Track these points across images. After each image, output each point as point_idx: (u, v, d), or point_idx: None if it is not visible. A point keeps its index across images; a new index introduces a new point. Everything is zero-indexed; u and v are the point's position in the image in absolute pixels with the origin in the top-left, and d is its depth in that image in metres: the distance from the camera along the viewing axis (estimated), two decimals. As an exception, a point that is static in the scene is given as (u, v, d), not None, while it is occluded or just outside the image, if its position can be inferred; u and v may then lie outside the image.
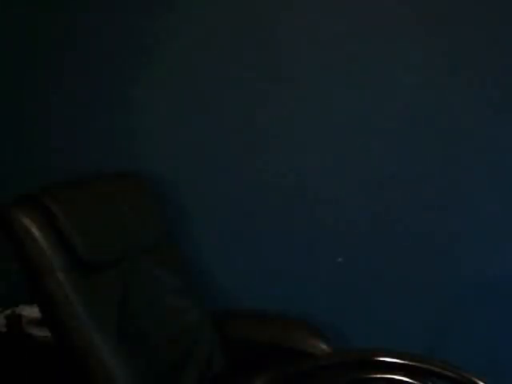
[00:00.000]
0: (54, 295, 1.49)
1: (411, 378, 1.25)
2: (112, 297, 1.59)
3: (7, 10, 2.06)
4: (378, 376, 1.26)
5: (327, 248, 1.98)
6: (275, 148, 1.98)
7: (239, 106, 1.98)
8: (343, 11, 1.88)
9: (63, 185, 1.69)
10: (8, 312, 1.92)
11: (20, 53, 2.07)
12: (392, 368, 1.28)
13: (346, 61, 1.90)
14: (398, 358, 1.29)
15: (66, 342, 1.51)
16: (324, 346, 1.79)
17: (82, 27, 2.02)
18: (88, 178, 1.79)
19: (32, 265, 1.50)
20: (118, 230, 1.71)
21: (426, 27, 1.85)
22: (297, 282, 2.01)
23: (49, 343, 1.60)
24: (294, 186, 1.98)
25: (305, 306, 1.99)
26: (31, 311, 1.90)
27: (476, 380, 1.24)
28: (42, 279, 1.49)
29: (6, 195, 1.55)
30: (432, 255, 1.93)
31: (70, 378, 1.55)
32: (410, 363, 1.28)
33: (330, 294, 2.00)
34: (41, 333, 1.81)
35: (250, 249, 2.03)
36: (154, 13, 1.97)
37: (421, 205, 1.92)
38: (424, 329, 1.96)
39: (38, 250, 1.49)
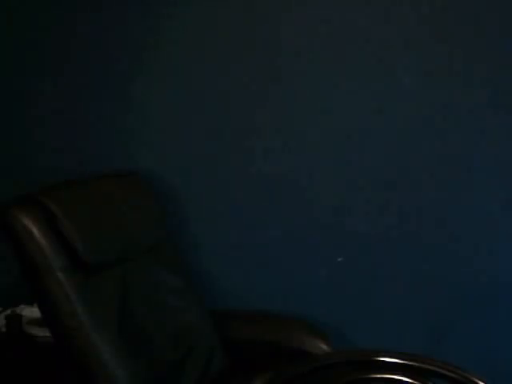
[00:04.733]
0: (54, 295, 1.49)
1: (411, 378, 1.25)
2: (112, 297, 1.59)
3: (7, 10, 2.06)
4: (378, 376, 1.26)
5: (327, 248, 1.98)
6: (275, 148, 1.98)
7: (239, 106, 1.98)
8: (343, 11, 1.88)
9: (63, 185, 1.69)
10: (8, 312, 1.92)
11: (20, 53, 2.07)
12: (392, 368, 1.27)
13: (346, 61, 1.90)
14: (398, 358, 1.29)
15: (66, 342, 1.51)
16: (324, 346, 1.79)
17: (82, 27, 2.02)
18: (88, 178, 1.79)
19: (32, 265, 1.50)
20: (118, 229, 1.71)
21: (425, 27, 1.85)
22: (297, 281, 2.01)
23: (49, 343, 1.60)
24: (293, 186, 1.98)
25: (305, 306, 1.99)
26: (31, 311, 1.90)
27: (476, 380, 1.24)
28: (42, 279, 1.49)
29: (6, 195, 1.55)
30: (432, 255, 1.93)
31: (70, 378, 1.55)
32: (410, 363, 1.28)
33: (330, 294, 2.00)
34: (41, 333, 1.81)
35: (250, 248, 2.03)
36: (154, 12, 1.97)
37: (421, 205, 1.92)
38: (424, 329, 1.96)
39: (38, 250, 1.49)
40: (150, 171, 2.00)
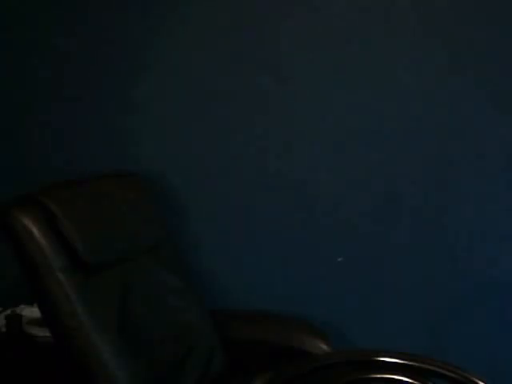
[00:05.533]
0: (54, 295, 1.49)
1: (411, 378, 1.25)
2: (112, 297, 1.59)
3: (7, 10, 2.06)
4: (378, 376, 1.26)
5: (327, 248, 1.98)
6: (275, 148, 1.98)
7: (239, 106, 1.98)
8: (343, 11, 1.88)
9: (63, 185, 1.69)
10: (8, 312, 1.92)
11: (20, 53, 2.07)
12: (392, 368, 1.27)
13: (346, 61, 1.90)
14: (397, 358, 1.29)
15: (66, 342, 1.51)
16: (324, 346, 1.79)
17: (82, 27, 2.02)
18: (88, 178, 1.79)
19: (32, 265, 1.50)
20: (118, 230, 1.71)
21: (425, 27, 1.85)
22: (297, 281, 2.01)
23: (49, 343, 1.60)
24: (293, 186, 1.98)
25: (305, 306, 1.99)
26: (31, 311, 1.90)
27: (476, 380, 1.24)
28: (42, 279, 1.49)
29: (6, 195, 1.55)
30: (432, 255, 1.93)
31: (70, 378, 1.55)
32: (410, 363, 1.28)
33: (330, 294, 2.00)
34: (41, 333, 1.81)
35: (250, 248, 2.03)
36: (154, 13, 1.97)
37: (421, 205, 1.92)
38: (424, 329, 1.96)
39: (38, 250, 1.49)
40: (150, 171, 2.00)
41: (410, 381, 1.24)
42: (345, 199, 1.96)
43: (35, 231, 1.49)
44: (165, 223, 1.92)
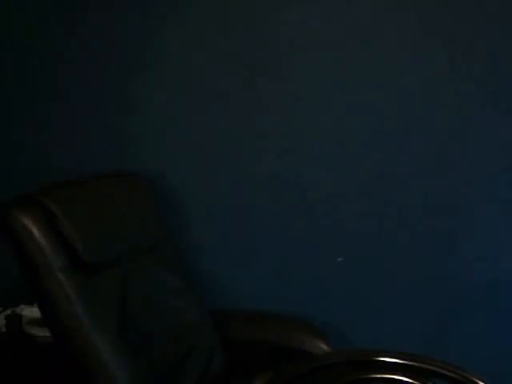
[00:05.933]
0: (54, 295, 1.49)
1: (411, 378, 1.25)
2: (112, 297, 1.59)
3: (7, 10, 2.06)
4: (378, 376, 1.26)
5: (327, 248, 1.98)
6: (275, 148, 1.98)
7: (239, 106, 1.98)
8: (343, 11, 1.88)
9: (63, 185, 1.69)
10: (8, 312, 1.92)
11: (20, 53, 2.07)
12: (392, 368, 1.28)
13: (346, 61, 1.90)
14: (398, 358, 1.29)
15: (66, 342, 1.51)
16: (324, 346, 1.79)
17: (82, 27, 2.02)
18: (88, 178, 1.79)
19: (32, 265, 1.50)
20: (118, 230, 1.71)
21: (425, 27, 1.85)
22: (297, 281, 2.01)
23: (49, 343, 1.60)
24: (293, 186, 1.98)
25: (305, 306, 1.99)
26: (31, 311, 1.90)
27: (476, 380, 1.24)
28: (42, 279, 1.49)
29: (6, 195, 1.55)
30: (432, 255, 1.93)
31: (70, 378, 1.55)
32: (410, 363, 1.28)
33: (330, 294, 2.00)
34: (41, 333, 1.81)
35: (250, 248, 2.03)
36: (154, 13, 1.97)
37: (421, 205, 1.92)
38: (424, 329, 1.96)
39: (38, 250, 1.49)
40: (150, 171, 2.00)
41: (410, 381, 1.24)
42: (345, 199, 1.96)
43: (35, 231, 1.49)
44: (165, 223, 1.92)
